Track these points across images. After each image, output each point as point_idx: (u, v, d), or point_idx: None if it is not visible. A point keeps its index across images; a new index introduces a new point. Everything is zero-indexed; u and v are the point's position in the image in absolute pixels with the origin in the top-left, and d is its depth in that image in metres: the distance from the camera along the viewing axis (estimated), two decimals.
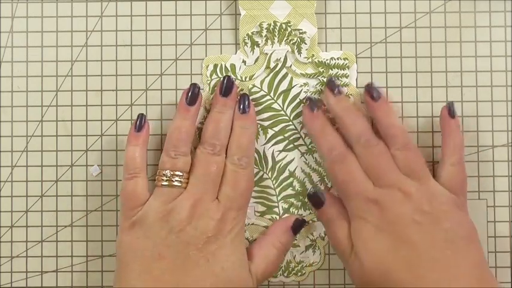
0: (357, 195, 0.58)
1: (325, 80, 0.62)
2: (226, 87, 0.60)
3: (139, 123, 0.60)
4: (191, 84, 0.60)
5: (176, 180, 0.58)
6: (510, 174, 0.63)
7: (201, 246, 0.57)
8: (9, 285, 0.63)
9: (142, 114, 0.60)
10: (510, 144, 0.63)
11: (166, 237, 0.57)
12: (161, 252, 0.56)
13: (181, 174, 0.58)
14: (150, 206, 0.58)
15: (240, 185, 0.59)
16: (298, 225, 0.61)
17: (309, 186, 0.63)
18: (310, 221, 0.63)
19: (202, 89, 0.63)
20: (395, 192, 0.57)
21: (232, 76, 0.63)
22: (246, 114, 0.60)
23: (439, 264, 0.55)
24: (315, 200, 0.61)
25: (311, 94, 0.63)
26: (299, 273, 0.63)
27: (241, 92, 0.62)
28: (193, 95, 0.60)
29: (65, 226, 0.63)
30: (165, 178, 0.58)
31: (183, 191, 0.58)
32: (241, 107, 0.60)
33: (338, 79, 0.62)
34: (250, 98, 0.62)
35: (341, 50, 0.63)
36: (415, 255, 0.56)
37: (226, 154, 0.60)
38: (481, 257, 0.57)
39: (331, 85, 0.60)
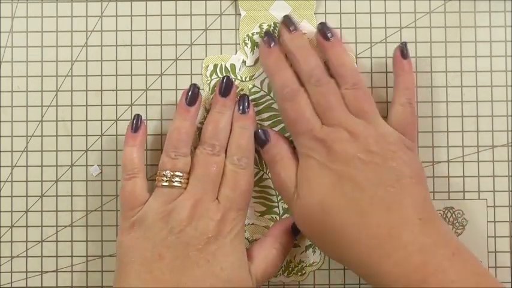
0: (305, 133, 0.58)
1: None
2: (226, 87, 0.60)
3: (136, 123, 0.60)
4: (191, 85, 0.60)
5: (176, 181, 0.58)
6: (510, 174, 0.63)
7: (201, 247, 0.57)
8: (9, 285, 0.63)
9: (139, 114, 0.60)
10: (510, 144, 0.63)
11: (166, 238, 0.57)
12: (161, 252, 0.56)
13: (181, 174, 0.58)
14: (150, 206, 0.58)
15: (240, 185, 0.59)
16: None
17: None
18: None
19: (202, 89, 0.63)
20: (341, 132, 0.57)
21: (232, 76, 0.63)
22: (245, 115, 0.60)
23: (381, 201, 0.55)
24: (259, 138, 0.61)
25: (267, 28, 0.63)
26: (299, 273, 0.63)
27: (241, 93, 0.62)
28: (193, 95, 0.60)
29: (65, 226, 0.63)
30: (165, 179, 0.58)
31: (183, 191, 0.58)
32: (241, 107, 0.60)
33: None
34: (250, 98, 0.62)
35: None
36: (358, 193, 0.55)
37: (226, 154, 0.60)
38: (424, 192, 0.56)
39: (287, 22, 0.61)
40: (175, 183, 0.58)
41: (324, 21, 0.62)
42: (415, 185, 0.56)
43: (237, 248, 0.58)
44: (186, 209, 0.57)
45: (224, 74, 0.63)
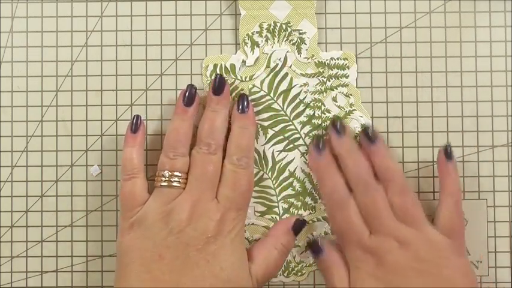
0: (354, 244, 0.58)
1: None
2: (218, 85, 0.60)
3: (135, 124, 0.60)
4: (188, 85, 0.60)
5: (175, 181, 0.58)
6: (510, 174, 0.63)
7: (201, 247, 0.57)
8: (9, 285, 0.63)
9: (138, 115, 0.61)
10: (510, 144, 0.63)
11: (165, 238, 0.57)
12: (161, 253, 0.56)
13: (180, 174, 0.58)
14: (150, 206, 0.58)
15: (240, 185, 0.59)
16: (298, 226, 0.61)
17: (308, 186, 0.63)
18: (310, 221, 0.63)
19: (202, 89, 0.62)
20: (391, 241, 0.57)
21: (232, 76, 0.63)
22: (245, 114, 0.60)
23: None
24: (315, 248, 0.61)
25: (311, 132, 0.63)
26: (299, 273, 0.63)
27: (241, 92, 0.62)
28: (190, 95, 0.60)
29: (65, 226, 0.63)
30: (164, 179, 0.58)
31: (182, 191, 0.58)
32: (240, 107, 0.60)
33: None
34: (250, 98, 0.62)
35: (341, 50, 0.63)
36: None
37: (225, 154, 0.60)
38: None
39: (336, 126, 0.60)
40: (174, 184, 0.58)
41: (367, 123, 0.62)
42: None
43: (237, 248, 0.58)
44: (185, 210, 0.57)
45: (224, 74, 0.63)
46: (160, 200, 0.58)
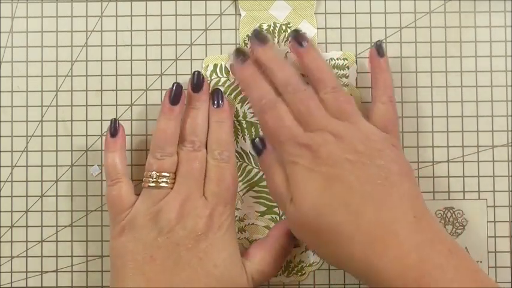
0: (288, 141, 0.57)
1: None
2: (197, 82, 0.60)
3: (114, 128, 0.60)
4: (173, 84, 0.60)
5: (163, 181, 0.58)
6: (510, 174, 0.63)
7: (192, 245, 0.57)
8: (9, 285, 0.63)
9: (115, 118, 0.61)
10: (510, 144, 0.63)
11: (156, 239, 0.57)
12: (152, 254, 0.56)
13: (167, 175, 0.58)
14: (138, 208, 0.58)
15: (224, 179, 0.59)
16: None
17: None
18: None
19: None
20: (326, 135, 0.57)
21: (224, 75, 0.63)
22: (219, 108, 0.60)
23: (372, 198, 0.54)
24: (256, 147, 0.61)
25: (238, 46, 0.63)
26: (299, 273, 0.63)
27: (215, 87, 0.62)
28: (176, 94, 0.60)
29: (65, 226, 0.63)
30: (151, 180, 0.58)
31: (170, 191, 0.58)
32: (215, 101, 0.61)
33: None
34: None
35: (341, 50, 0.63)
36: (349, 193, 0.55)
37: (207, 150, 0.60)
38: (415, 190, 0.56)
39: (258, 35, 0.60)
40: (162, 184, 0.58)
41: (296, 28, 0.62)
42: (404, 182, 0.55)
43: (228, 243, 0.58)
44: (174, 209, 0.57)
45: (224, 74, 0.63)
46: (148, 201, 0.58)
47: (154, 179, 0.58)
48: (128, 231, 0.58)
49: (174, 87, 0.60)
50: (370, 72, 0.61)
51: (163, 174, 0.58)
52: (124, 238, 0.58)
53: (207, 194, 0.59)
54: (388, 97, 0.59)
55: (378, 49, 0.60)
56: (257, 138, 0.61)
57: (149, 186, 0.58)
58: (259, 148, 0.61)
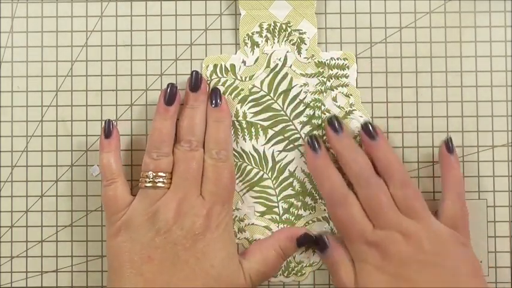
0: (358, 239, 0.58)
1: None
2: (195, 82, 0.60)
3: (108, 129, 0.61)
4: (168, 84, 0.60)
5: (160, 181, 0.58)
6: (510, 174, 0.63)
7: (189, 245, 0.57)
8: (9, 285, 0.63)
9: (109, 119, 0.61)
10: (510, 144, 0.63)
11: (153, 239, 0.57)
12: (150, 254, 0.56)
13: (164, 175, 0.58)
14: (135, 208, 0.58)
15: (222, 178, 0.59)
16: (304, 240, 0.61)
17: (308, 186, 0.63)
18: (311, 221, 0.63)
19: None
20: (394, 234, 0.57)
21: (224, 75, 0.63)
22: (217, 108, 0.60)
23: None
24: (320, 244, 0.61)
25: (311, 133, 0.62)
26: (299, 273, 0.63)
27: (213, 86, 0.62)
28: (171, 95, 0.60)
29: (65, 226, 0.63)
30: (148, 180, 0.58)
31: (167, 191, 0.58)
32: (213, 101, 0.61)
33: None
34: (251, 98, 0.62)
35: (341, 50, 0.63)
36: None
37: (204, 150, 0.60)
38: None
39: (333, 124, 0.60)
40: (159, 184, 0.58)
41: (367, 119, 0.62)
42: (472, 281, 0.56)
43: (226, 243, 0.58)
44: (171, 209, 0.57)
45: (224, 74, 0.63)
46: (145, 201, 0.58)
47: (151, 179, 0.58)
48: (124, 231, 0.58)
49: (168, 88, 0.60)
50: (440, 166, 0.61)
51: (160, 174, 0.58)
52: (120, 238, 0.58)
53: (204, 194, 0.59)
54: (457, 194, 0.59)
55: (448, 145, 0.60)
56: (322, 235, 0.61)
57: (146, 186, 0.58)
58: (324, 246, 0.61)
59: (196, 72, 0.61)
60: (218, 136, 0.60)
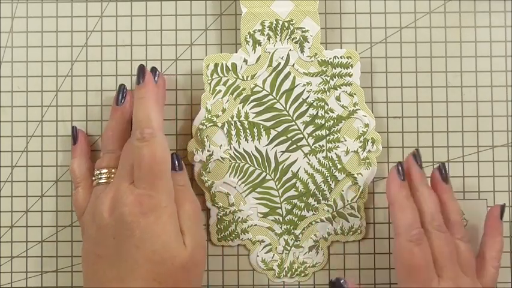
0: (423, 282, 0.57)
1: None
2: (138, 74, 0.59)
3: (73, 136, 0.62)
4: (119, 86, 0.61)
5: (102, 178, 0.59)
6: (510, 174, 0.63)
7: (127, 236, 0.55)
8: (9, 285, 0.63)
9: (74, 126, 0.62)
10: (510, 144, 0.63)
11: (96, 236, 0.56)
12: (96, 251, 0.56)
13: (105, 171, 0.59)
14: (86, 209, 0.59)
15: (143, 160, 0.56)
16: None
17: (312, 187, 0.63)
18: (314, 222, 0.63)
19: (202, 89, 0.62)
20: None
21: (226, 74, 0.62)
22: (140, 85, 0.59)
23: None
24: None
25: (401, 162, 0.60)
26: (302, 274, 0.63)
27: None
28: (120, 95, 0.61)
29: (65, 226, 0.63)
30: (94, 178, 0.59)
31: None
32: (136, 79, 0.59)
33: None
34: (252, 97, 0.62)
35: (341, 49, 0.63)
36: None
37: None
38: None
39: (418, 156, 0.60)
40: (101, 181, 0.59)
41: (442, 170, 0.61)
42: None
43: (165, 225, 0.56)
44: (105, 202, 0.56)
45: (225, 73, 0.62)
46: (91, 200, 0.59)
47: (96, 177, 0.59)
48: (83, 233, 0.58)
49: (119, 89, 0.61)
50: (484, 228, 0.61)
51: (102, 171, 0.59)
52: (83, 242, 0.58)
53: (134, 181, 0.56)
54: (499, 262, 0.60)
55: (502, 211, 0.61)
56: (337, 280, 0.59)
57: (94, 185, 0.59)
58: None
59: (141, 65, 0.59)
60: (138, 114, 0.57)
